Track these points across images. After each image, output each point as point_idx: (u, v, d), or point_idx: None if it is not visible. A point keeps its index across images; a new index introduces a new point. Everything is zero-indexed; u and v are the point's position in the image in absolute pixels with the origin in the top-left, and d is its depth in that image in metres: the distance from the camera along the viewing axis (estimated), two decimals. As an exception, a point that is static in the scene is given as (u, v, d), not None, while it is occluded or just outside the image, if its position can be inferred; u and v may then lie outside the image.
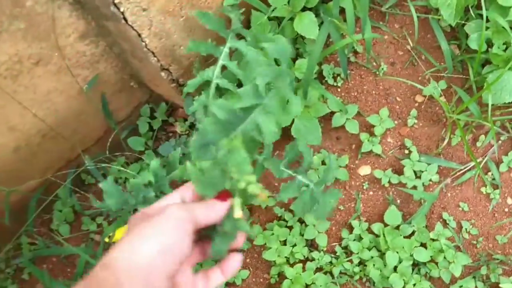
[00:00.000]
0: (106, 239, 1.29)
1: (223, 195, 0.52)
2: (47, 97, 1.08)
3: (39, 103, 1.08)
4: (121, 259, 0.44)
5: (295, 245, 1.26)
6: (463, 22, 1.27)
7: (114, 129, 1.28)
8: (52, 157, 1.23)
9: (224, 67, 1.01)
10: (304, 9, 1.22)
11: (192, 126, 1.40)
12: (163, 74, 1.12)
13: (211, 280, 0.52)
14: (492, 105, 1.20)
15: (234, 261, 0.53)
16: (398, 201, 1.29)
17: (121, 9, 0.92)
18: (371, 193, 1.31)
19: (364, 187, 1.31)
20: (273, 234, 1.26)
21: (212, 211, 0.51)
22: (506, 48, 1.21)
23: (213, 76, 1.01)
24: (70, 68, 1.07)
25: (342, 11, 1.21)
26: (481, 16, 1.18)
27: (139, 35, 0.98)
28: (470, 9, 1.25)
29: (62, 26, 0.99)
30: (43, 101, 1.08)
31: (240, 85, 1.06)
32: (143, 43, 1.00)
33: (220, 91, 1.03)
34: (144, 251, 0.44)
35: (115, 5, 0.91)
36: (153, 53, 1.05)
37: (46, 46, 1.00)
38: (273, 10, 1.20)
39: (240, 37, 1.09)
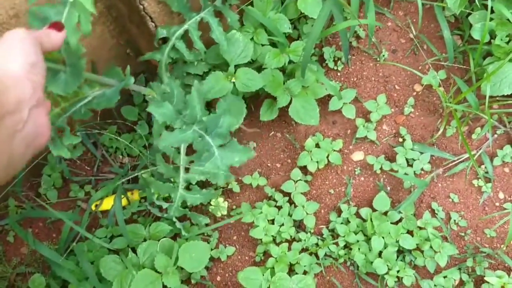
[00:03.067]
0: (93, 207, 1.28)
1: (57, 25, 0.60)
2: (41, 56, 1.07)
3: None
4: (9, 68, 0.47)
5: (282, 224, 1.25)
6: (467, 12, 1.26)
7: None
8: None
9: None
10: (308, -13, 1.21)
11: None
12: (161, 42, 1.11)
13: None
14: (491, 97, 1.19)
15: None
16: (389, 188, 1.28)
17: (120, -32, 0.90)
18: (362, 178, 1.30)
19: (356, 173, 1.31)
20: (261, 212, 1.26)
21: (52, 35, 0.58)
22: (509, 41, 1.20)
23: (172, 36, 1.02)
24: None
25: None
26: (486, 6, 1.17)
27: (137, -4, 0.96)
28: (476, -1, 1.24)
29: (60, -18, 0.98)
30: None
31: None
32: (141, 6, 0.99)
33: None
34: (13, 64, 0.48)
35: (114, -37, 0.90)
36: (151, 17, 1.03)
37: (44, 1, 0.98)
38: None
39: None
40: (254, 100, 1.32)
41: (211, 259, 1.27)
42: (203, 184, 1.29)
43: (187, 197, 1.06)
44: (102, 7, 1.08)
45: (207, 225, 1.30)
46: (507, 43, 1.20)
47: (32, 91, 0.47)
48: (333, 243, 1.24)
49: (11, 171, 0.47)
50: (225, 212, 1.29)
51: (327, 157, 1.28)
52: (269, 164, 1.35)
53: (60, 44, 0.59)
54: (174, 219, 1.15)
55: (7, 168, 0.46)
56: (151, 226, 1.21)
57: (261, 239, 1.25)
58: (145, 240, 1.21)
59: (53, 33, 0.58)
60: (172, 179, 1.12)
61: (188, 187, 1.11)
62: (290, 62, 1.24)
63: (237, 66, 1.13)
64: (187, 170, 1.04)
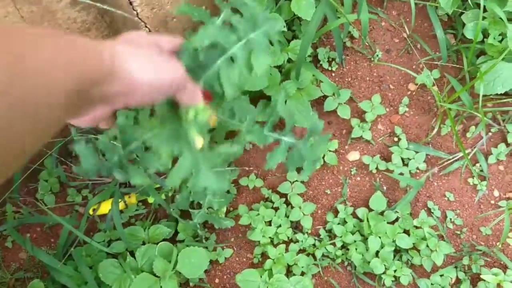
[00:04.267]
0: (91, 211, 1.29)
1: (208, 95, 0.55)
2: (36, 63, 1.07)
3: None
4: (124, 62, 0.45)
5: (280, 226, 1.26)
6: (460, 11, 1.26)
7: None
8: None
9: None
10: (301, -11, 1.21)
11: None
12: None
13: None
14: (485, 96, 1.19)
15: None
16: (385, 187, 1.29)
17: (113, -25, 0.91)
18: (358, 178, 1.31)
19: (352, 173, 1.31)
20: (258, 214, 1.26)
21: (196, 93, 0.54)
22: (502, 39, 1.21)
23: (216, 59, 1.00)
24: (60, 34, 1.05)
25: (340, -7, 1.20)
26: (478, 5, 1.17)
27: (131, 3, 0.96)
28: (468, -2, 1.24)
29: (53, -10, 0.98)
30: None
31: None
32: (135, 12, 0.99)
33: None
34: (143, 73, 0.46)
35: (107, -30, 0.90)
36: (145, 23, 1.03)
37: (37, 10, 0.98)
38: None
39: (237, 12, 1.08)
40: (250, 101, 1.33)
41: (209, 261, 1.27)
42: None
43: (213, 202, 1.07)
44: (96, 12, 1.08)
45: (204, 226, 1.31)
46: (500, 41, 1.20)
47: (124, 90, 0.46)
48: (330, 244, 1.25)
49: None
50: (223, 215, 1.29)
51: (323, 157, 1.29)
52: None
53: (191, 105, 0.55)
54: (198, 225, 1.17)
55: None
56: (150, 229, 1.21)
57: (258, 241, 1.26)
58: (143, 243, 1.22)
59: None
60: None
61: None
62: (289, 60, 1.24)
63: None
64: None
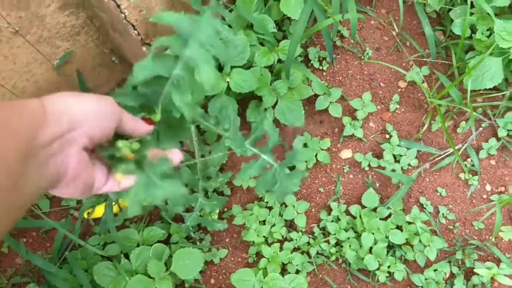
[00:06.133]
0: (85, 215, 1.29)
1: (148, 120, 0.56)
2: (27, 68, 1.08)
3: (19, 74, 1.08)
4: (57, 102, 0.45)
5: (274, 225, 1.26)
6: (448, 7, 1.27)
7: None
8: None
9: None
10: (290, -11, 1.22)
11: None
12: (144, 49, 1.12)
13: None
14: (474, 91, 1.20)
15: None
16: (377, 184, 1.30)
17: (100, -21, 0.91)
18: (351, 176, 1.32)
19: (345, 170, 1.32)
20: (252, 214, 1.27)
21: (137, 122, 0.55)
22: (490, 34, 1.22)
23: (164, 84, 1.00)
24: (49, 39, 1.06)
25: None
26: (466, 1, 1.18)
27: (118, 6, 0.97)
28: (456, -6, 1.25)
29: (42, -5, 0.99)
30: (23, 72, 1.08)
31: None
32: (122, 15, 1.00)
33: None
34: (79, 105, 0.46)
35: (93, -26, 0.91)
36: (133, 26, 1.04)
37: (25, 15, 0.99)
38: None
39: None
40: (241, 101, 1.34)
41: (204, 262, 1.28)
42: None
43: (205, 205, 1.07)
44: (85, 17, 1.09)
45: (199, 228, 1.31)
46: (488, 36, 1.21)
47: (68, 128, 0.45)
48: (325, 241, 1.25)
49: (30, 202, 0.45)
50: (216, 216, 1.30)
51: (316, 156, 1.30)
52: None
53: (139, 134, 0.55)
54: (190, 228, 1.17)
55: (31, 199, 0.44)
56: (145, 231, 1.22)
57: (253, 241, 1.26)
58: (138, 245, 1.22)
59: (142, 122, 0.56)
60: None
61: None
62: (279, 61, 1.25)
63: (232, 67, 1.15)
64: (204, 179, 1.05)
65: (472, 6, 1.20)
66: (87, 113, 0.47)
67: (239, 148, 0.73)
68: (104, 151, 0.54)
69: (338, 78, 1.37)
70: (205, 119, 0.73)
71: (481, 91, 1.23)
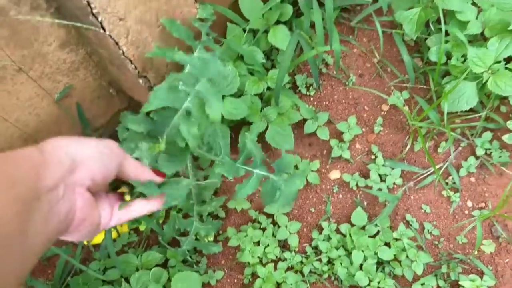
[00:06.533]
0: (85, 241, 1.33)
1: (158, 171, 0.59)
2: (30, 102, 1.13)
3: (22, 108, 1.13)
4: (56, 146, 0.46)
5: (268, 245, 1.32)
6: (424, 36, 1.37)
7: (91, 136, 1.33)
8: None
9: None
10: (278, 22, 1.30)
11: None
12: (141, 81, 1.18)
13: (116, 211, 0.56)
14: (452, 113, 1.28)
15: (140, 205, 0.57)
16: (365, 203, 1.36)
17: (99, 19, 0.98)
18: (340, 196, 1.38)
19: (334, 190, 1.38)
20: (246, 235, 1.32)
21: (139, 168, 0.56)
22: (464, 60, 1.30)
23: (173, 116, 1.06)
24: (51, 75, 1.12)
25: (314, 24, 1.29)
26: (441, 30, 1.27)
27: (117, 43, 1.03)
28: (431, 24, 1.34)
29: (44, 34, 1.05)
30: (26, 106, 1.13)
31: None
32: (121, 51, 1.06)
33: None
34: (79, 147, 0.47)
35: (93, 15, 0.97)
36: (130, 60, 1.10)
37: (28, 53, 1.05)
38: (248, 23, 1.27)
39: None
40: (234, 128, 1.40)
41: (202, 284, 1.32)
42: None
43: (200, 228, 1.11)
44: (84, 53, 1.16)
45: (195, 251, 1.36)
46: (463, 62, 1.30)
47: (70, 168, 0.45)
48: (317, 260, 1.31)
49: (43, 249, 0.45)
50: (211, 238, 1.35)
51: (306, 177, 1.36)
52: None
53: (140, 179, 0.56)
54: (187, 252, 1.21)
55: (44, 246, 0.44)
56: (143, 255, 1.26)
57: (248, 262, 1.31)
58: (137, 269, 1.26)
59: (148, 171, 0.57)
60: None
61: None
62: (268, 88, 1.33)
63: (224, 96, 1.22)
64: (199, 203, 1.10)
65: (447, 34, 1.29)
66: (88, 155, 0.48)
67: (229, 173, 0.79)
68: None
69: (324, 103, 1.45)
70: (199, 146, 0.80)
71: (458, 113, 1.31)
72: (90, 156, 0.48)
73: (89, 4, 0.94)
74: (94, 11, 0.96)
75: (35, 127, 1.19)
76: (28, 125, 1.17)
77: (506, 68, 1.22)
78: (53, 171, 0.44)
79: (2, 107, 1.08)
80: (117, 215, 0.56)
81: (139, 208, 0.59)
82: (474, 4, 1.32)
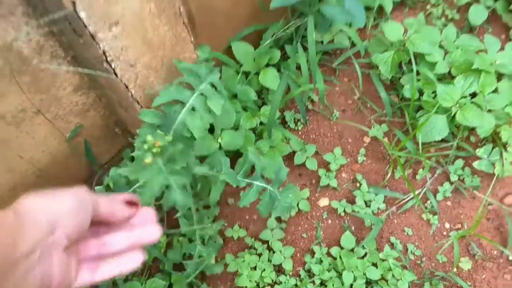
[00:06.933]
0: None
1: (131, 202, 0.57)
2: (44, 142, 1.23)
3: (36, 147, 1.23)
4: (32, 205, 0.44)
5: (264, 270, 1.41)
6: (399, 76, 1.53)
7: (96, 172, 1.43)
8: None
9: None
10: (267, 65, 1.45)
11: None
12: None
13: (99, 270, 0.52)
14: (427, 143, 1.43)
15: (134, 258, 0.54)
16: (353, 227, 1.48)
17: (113, 66, 1.10)
18: (329, 221, 1.49)
19: (324, 217, 1.49)
20: (244, 261, 1.41)
21: (113, 206, 0.53)
22: (435, 96, 1.46)
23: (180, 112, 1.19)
24: (64, 116, 1.23)
25: (300, 66, 1.44)
26: (413, 70, 1.43)
27: (127, 87, 1.16)
28: (404, 65, 1.51)
29: (60, 80, 1.16)
30: (40, 145, 1.23)
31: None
32: (130, 94, 1.18)
33: None
34: (55, 203, 0.46)
35: (107, 62, 1.10)
36: (138, 102, 1.23)
37: (46, 97, 1.16)
38: (241, 66, 1.41)
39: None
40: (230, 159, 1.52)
41: (202, 309, 1.39)
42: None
43: (203, 251, 1.20)
44: (94, 96, 1.27)
45: (195, 277, 1.43)
46: (433, 98, 1.46)
47: (48, 229, 0.43)
48: (310, 282, 1.40)
49: None
50: (213, 261, 1.43)
51: (297, 205, 1.47)
52: (247, 217, 1.52)
53: (118, 219, 0.54)
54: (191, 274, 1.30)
55: None
56: (147, 283, 1.34)
57: (246, 286, 1.39)
58: (141, 297, 1.33)
59: (121, 205, 0.54)
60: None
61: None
62: (261, 123, 1.46)
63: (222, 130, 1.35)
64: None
65: (418, 73, 1.45)
66: (64, 211, 0.46)
67: (232, 179, 0.91)
68: None
69: (311, 136, 1.58)
70: (201, 169, 0.92)
71: (432, 143, 1.45)
72: (67, 213, 0.46)
73: (104, 53, 1.06)
74: (109, 59, 1.08)
75: (47, 164, 1.29)
76: (40, 161, 1.27)
77: (472, 102, 1.38)
78: (29, 235, 0.41)
79: (20, 146, 1.18)
80: (83, 275, 0.52)
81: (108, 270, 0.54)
82: (441, 46, 1.50)
